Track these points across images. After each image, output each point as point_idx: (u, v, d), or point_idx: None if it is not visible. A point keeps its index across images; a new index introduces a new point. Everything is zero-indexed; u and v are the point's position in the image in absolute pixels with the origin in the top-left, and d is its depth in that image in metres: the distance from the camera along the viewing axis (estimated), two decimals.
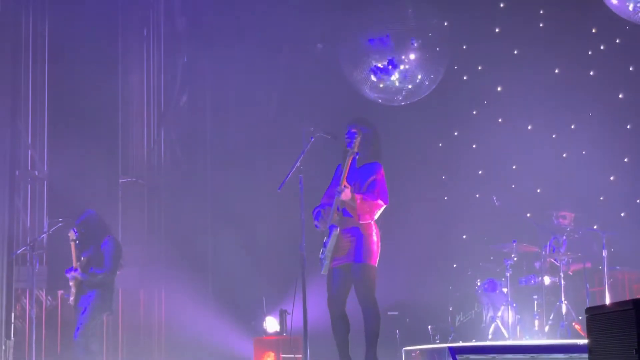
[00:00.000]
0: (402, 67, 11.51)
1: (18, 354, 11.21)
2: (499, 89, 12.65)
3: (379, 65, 11.49)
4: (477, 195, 12.55)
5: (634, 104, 11.32)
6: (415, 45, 11.54)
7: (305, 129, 8.03)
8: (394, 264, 10.81)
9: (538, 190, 12.06)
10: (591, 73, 11.78)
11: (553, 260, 10.64)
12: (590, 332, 4.69)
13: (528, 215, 11.61)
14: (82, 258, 9.71)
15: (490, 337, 10.53)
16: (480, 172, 12.70)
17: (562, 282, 10.31)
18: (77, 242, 9.79)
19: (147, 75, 13.17)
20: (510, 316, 10.53)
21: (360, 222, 7.70)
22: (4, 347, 11.15)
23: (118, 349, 11.99)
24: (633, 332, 4.20)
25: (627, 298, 9.95)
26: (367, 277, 7.74)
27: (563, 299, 10.22)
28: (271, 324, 11.09)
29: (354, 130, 7.90)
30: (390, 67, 11.47)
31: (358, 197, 7.64)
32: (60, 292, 11.47)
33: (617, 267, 10.51)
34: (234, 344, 11.91)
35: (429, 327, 11.48)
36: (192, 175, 13.01)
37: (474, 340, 10.39)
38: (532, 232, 11.06)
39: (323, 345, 8.67)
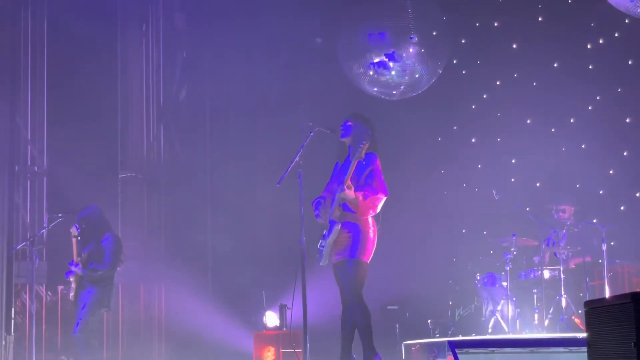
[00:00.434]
0: (400, 61, 11.50)
1: (18, 349, 11.22)
2: (497, 83, 12.65)
3: (378, 59, 11.49)
4: (477, 189, 12.55)
5: (633, 97, 11.30)
6: (415, 40, 11.53)
7: (304, 124, 8.04)
8: (394, 258, 10.85)
9: (537, 184, 12.06)
10: (590, 67, 11.76)
11: (553, 254, 10.63)
12: (589, 325, 4.69)
13: (527, 209, 11.60)
14: (83, 254, 9.72)
15: (490, 331, 10.54)
16: (479, 165, 12.70)
17: (562, 275, 10.31)
18: (79, 237, 9.81)
19: (146, 71, 13.18)
20: (510, 310, 10.53)
21: (363, 217, 7.75)
22: (4, 343, 11.17)
23: (118, 344, 12.00)
24: (631, 326, 4.20)
25: (627, 291, 9.96)
26: (356, 273, 7.76)
27: (563, 292, 10.22)
28: (271, 318, 11.09)
29: (349, 123, 7.96)
30: (389, 61, 11.47)
31: (359, 194, 7.68)
32: (60, 288, 11.48)
33: (617, 261, 10.50)
34: (234, 339, 11.92)
35: (429, 321, 11.49)
36: (191, 170, 13.01)
37: (473, 334, 10.39)
38: (532, 226, 11.05)
39: (323, 339, 8.69)
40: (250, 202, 12.29)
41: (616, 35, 11.48)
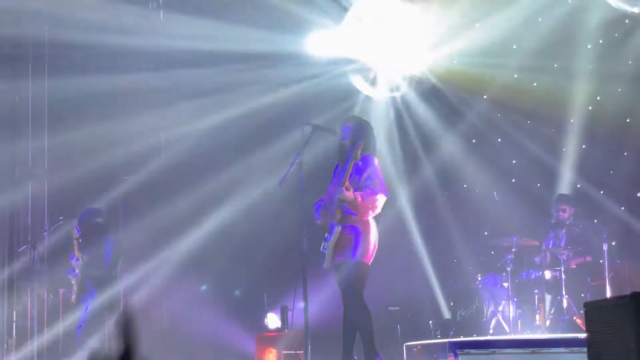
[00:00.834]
0: None
1: (20, 352, 11.23)
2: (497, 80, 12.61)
3: None
4: (477, 190, 12.53)
5: (633, 98, 11.29)
6: None
7: (304, 125, 8.05)
8: (395, 260, 10.84)
9: (538, 185, 12.04)
10: (590, 67, 11.75)
11: (553, 254, 10.63)
12: (589, 325, 4.70)
13: (528, 209, 11.60)
14: (84, 256, 9.75)
15: (491, 331, 10.53)
16: (479, 166, 12.67)
17: (563, 276, 10.30)
18: (80, 239, 9.84)
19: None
20: (511, 311, 10.53)
21: (364, 218, 7.75)
22: (5, 346, 11.18)
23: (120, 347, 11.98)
24: (631, 326, 4.20)
25: (629, 291, 9.95)
26: (357, 274, 7.77)
27: (564, 293, 10.22)
28: (272, 320, 11.10)
29: (348, 125, 7.98)
30: None
31: (358, 195, 7.69)
32: (61, 291, 11.49)
33: (618, 261, 10.51)
34: (236, 341, 11.93)
35: (430, 322, 11.49)
36: (192, 173, 13.00)
37: (475, 335, 10.38)
38: (532, 227, 11.06)
39: (324, 340, 8.68)
40: (252, 203, 12.27)
41: (616, 35, 11.47)
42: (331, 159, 8.36)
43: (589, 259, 10.53)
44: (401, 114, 12.37)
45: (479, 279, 11.23)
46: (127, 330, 3.58)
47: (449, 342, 7.55)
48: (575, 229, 10.73)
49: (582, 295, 10.29)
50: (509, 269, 10.65)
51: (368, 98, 12.24)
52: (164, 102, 12.74)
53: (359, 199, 7.68)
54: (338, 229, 7.77)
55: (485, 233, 12.09)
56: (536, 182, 12.07)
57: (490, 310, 10.84)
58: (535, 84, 12.11)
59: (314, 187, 8.25)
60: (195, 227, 12.63)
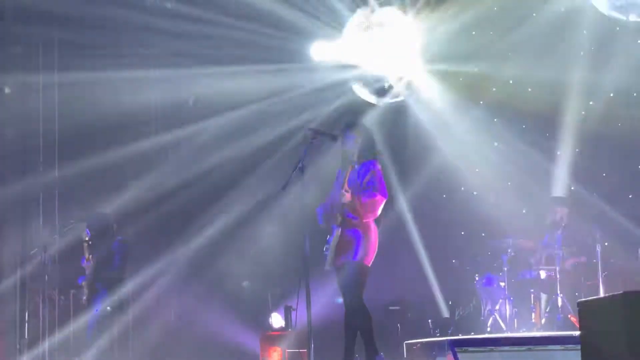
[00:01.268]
0: None
1: (32, 351, 11.24)
2: (494, 89, 12.63)
3: None
4: (475, 193, 12.54)
5: (624, 103, 11.32)
6: None
7: (306, 130, 8.08)
8: (395, 261, 10.88)
9: (533, 187, 12.05)
10: (582, 74, 11.76)
11: (548, 255, 10.66)
12: (583, 324, 4.72)
13: (524, 211, 11.63)
14: (93, 258, 9.79)
15: (488, 329, 10.56)
16: (476, 169, 12.69)
17: (558, 275, 10.32)
18: (90, 242, 9.88)
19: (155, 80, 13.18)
20: (508, 309, 10.55)
21: (365, 220, 7.78)
22: (18, 346, 11.19)
23: (127, 345, 12.01)
24: (623, 324, 4.22)
25: (622, 290, 9.98)
26: (357, 276, 7.79)
27: (559, 292, 10.24)
28: (276, 319, 11.13)
29: (350, 134, 7.99)
30: None
31: (358, 198, 7.72)
32: (72, 292, 11.51)
33: (612, 260, 10.52)
34: (241, 339, 11.94)
35: (429, 321, 11.51)
36: (198, 175, 13.00)
37: (472, 333, 10.42)
38: (528, 228, 11.09)
39: (327, 339, 8.70)
40: (256, 209, 12.30)
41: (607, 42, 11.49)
42: (332, 164, 8.41)
43: (583, 259, 10.56)
44: (400, 119, 12.39)
45: (477, 279, 11.25)
46: None
47: (448, 340, 7.57)
48: (570, 230, 10.76)
49: (577, 294, 10.30)
50: (505, 269, 10.68)
51: (369, 104, 12.29)
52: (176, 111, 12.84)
53: (359, 202, 7.72)
54: (338, 232, 7.81)
55: (482, 234, 12.10)
56: (531, 184, 12.08)
57: (487, 309, 10.87)
58: (529, 90, 12.12)
59: (316, 191, 8.28)
60: (202, 230, 12.66)
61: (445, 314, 11.68)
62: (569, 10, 11.54)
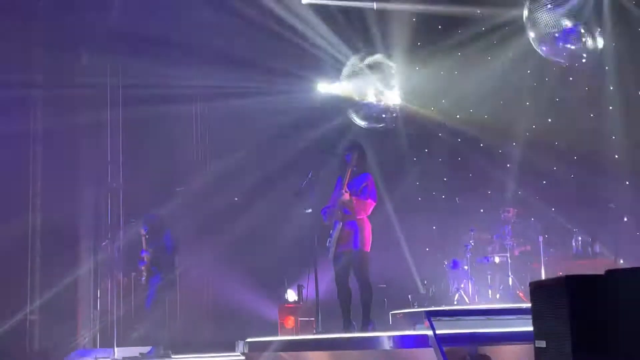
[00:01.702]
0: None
1: (102, 320, 11.18)
2: (457, 116, 12.53)
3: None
4: (443, 197, 12.48)
5: (560, 126, 11.25)
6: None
7: (316, 151, 8.09)
8: (384, 250, 10.76)
9: (489, 192, 11.98)
10: (527, 103, 11.71)
11: (502, 244, 10.58)
12: (534, 300, 4.63)
13: (482, 210, 11.56)
14: (150, 249, 9.73)
15: (455, 303, 10.48)
16: (445, 179, 12.64)
17: (509, 261, 10.25)
18: (146, 236, 9.83)
19: (195, 109, 13.16)
20: (470, 287, 10.49)
21: (357, 217, 7.76)
22: (92, 316, 11.13)
23: (177, 316, 11.94)
24: (566, 301, 4.16)
25: (559, 273, 9.90)
26: (363, 260, 7.79)
27: (510, 273, 10.17)
28: (291, 295, 11.05)
29: (349, 151, 8.00)
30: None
31: (354, 199, 7.73)
32: (133, 274, 11.43)
33: (551, 249, 10.46)
34: (263, 310, 11.86)
35: (409, 296, 11.42)
36: (229, 183, 12.94)
37: (443, 306, 10.33)
38: (485, 224, 11.01)
39: (330, 311, 8.62)
40: (275, 208, 12.20)
41: (546, 79, 11.43)
42: (335, 174, 8.36)
43: (528, 247, 10.50)
44: (386, 139, 12.30)
45: (445, 263, 11.18)
46: None
47: (425, 311, 7.48)
48: (518, 225, 10.68)
49: (524, 275, 10.26)
50: (468, 255, 10.62)
51: (361, 127, 12.20)
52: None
53: (354, 201, 7.74)
54: (339, 226, 7.83)
55: (450, 229, 12.02)
56: (487, 190, 12.01)
57: (454, 287, 10.79)
58: (486, 117, 12.06)
59: (322, 195, 8.25)
60: (232, 223, 12.59)
61: (422, 290, 11.58)
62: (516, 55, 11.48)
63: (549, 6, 9.01)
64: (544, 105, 11.46)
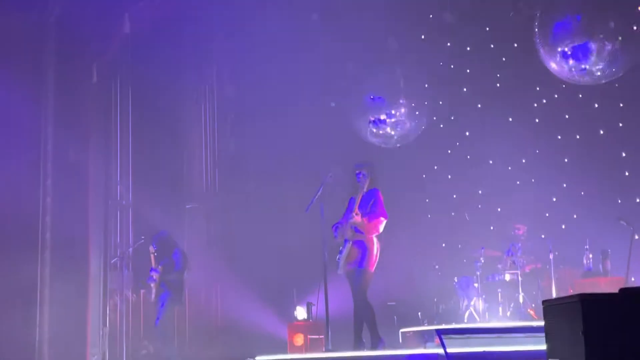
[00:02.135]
0: (395, 119, 11.53)
1: (112, 337, 11.18)
2: (467, 133, 12.58)
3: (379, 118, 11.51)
4: (453, 214, 12.43)
5: (569, 143, 11.22)
6: (404, 102, 11.58)
7: (325, 168, 8.10)
8: (393, 268, 10.74)
9: (499, 209, 11.92)
10: (536, 120, 11.70)
11: (512, 262, 10.51)
12: (546, 318, 4.60)
13: (492, 228, 11.50)
14: (159, 266, 9.72)
15: (465, 321, 10.40)
16: (454, 196, 12.59)
17: (520, 278, 10.18)
18: (155, 253, 9.83)
19: (204, 129, 13.19)
20: (481, 305, 10.41)
21: (369, 236, 7.77)
22: (101, 333, 11.12)
23: (185, 333, 11.92)
24: (580, 319, 4.12)
25: (569, 291, 9.84)
26: (364, 280, 7.79)
27: (520, 291, 10.09)
28: (300, 312, 11.01)
29: (359, 171, 8.02)
30: (386, 119, 11.49)
31: (365, 220, 7.76)
32: (142, 291, 11.44)
33: (561, 267, 10.37)
34: (272, 328, 11.82)
35: (419, 313, 11.35)
36: (238, 201, 12.97)
37: (453, 324, 10.26)
38: (495, 241, 10.95)
39: (340, 329, 8.59)
40: (284, 226, 12.20)
41: (555, 96, 11.42)
42: (344, 192, 8.36)
43: (539, 265, 10.41)
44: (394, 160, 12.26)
45: (456, 280, 11.10)
46: None
47: (436, 330, 7.46)
48: (528, 242, 10.62)
49: (534, 293, 10.16)
50: (478, 273, 10.54)
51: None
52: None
53: (365, 222, 7.74)
54: (349, 244, 7.85)
55: (459, 246, 11.97)
56: (497, 207, 11.96)
57: (464, 304, 10.72)
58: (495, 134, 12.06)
59: (331, 213, 8.23)
60: (242, 240, 12.59)
61: (432, 308, 11.50)
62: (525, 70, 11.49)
63: None
64: (553, 122, 11.44)
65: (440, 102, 12.65)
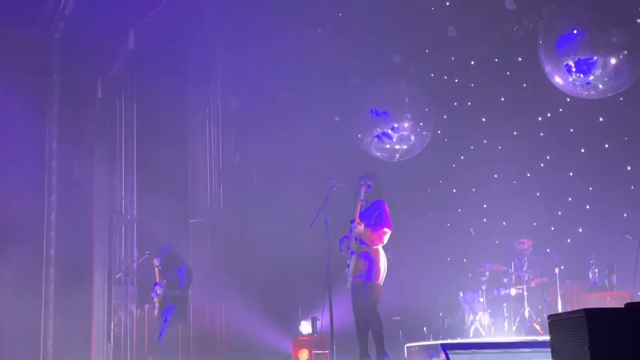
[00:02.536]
0: (399, 133, 11.56)
1: (116, 352, 11.15)
2: (471, 147, 12.59)
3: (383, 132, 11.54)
4: (458, 228, 12.42)
5: (574, 157, 11.22)
6: (409, 117, 11.60)
7: (328, 181, 8.07)
8: (398, 281, 10.72)
9: (504, 223, 11.92)
10: (541, 134, 11.71)
11: (517, 276, 10.49)
12: (552, 333, 4.60)
13: (497, 242, 11.48)
14: (164, 281, 9.71)
15: (471, 335, 10.38)
16: (459, 210, 12.60)
17: (525, 292, 10.16)
18: (160, 268, 9.81)
19: (209, 143, 13.22)
20: (486, 319, 10.38)
21: (373, 247, 7.75)
22: (105, 348, 11.09)
23: (189, 349, 11.89)
24: (585, 333, 4.12)
25: (575, 305, 9.82)
26: (373, 292, 7.74)
27: (526, 305, 10.07)
28: (305, 327, 10.99)
29: (361, 183, 8.01)
30: (391, 133, 11.51)
31: (369, 230, 7.72)
32: (146, 306, 11.42)
33: (567, 281, 10.35)
34: (277, 343, 11.80)
35: (424, 328, 11.33)
36: (243, 216, 12.98)
37: (459, 339, 10.23)
38: (501, 255, 10.94)
39: (345, 344, 8.58)
40: (288, 240, 12.21)
41: (560, 110, 11.43)
42: (349, 206, 8.35)
43: (544, 279, 10.39)
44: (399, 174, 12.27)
45: (461, 295, 11.08)
46: None
47: (441, 344, 7.43)
48: (534, 256, 10.60)
49: (540, 307, 10.15)
50: (483, 287, 10.53)
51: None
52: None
53: (369, 232, 7.72)
54: (354, 257, 7.81)
55: (464, 260, 11.95)
56: (502, 221, 11.95)
57: (470, 319, 10.69)
58: (499, 147, 12.07)
59: (336, 227, 8.22)
60: (246, 255, 12.59)
61: (437, 323, 11.48)
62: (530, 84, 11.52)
63: None
64: (557, 136, 11.45)
65: (445, 116, 12.67)
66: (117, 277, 11.15)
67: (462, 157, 12.66)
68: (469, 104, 12.60)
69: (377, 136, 11.61)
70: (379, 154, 12.01)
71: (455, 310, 11.08)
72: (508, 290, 10.44)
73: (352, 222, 7.98)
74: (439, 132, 12.40)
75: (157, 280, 9.74)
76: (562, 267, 10.28)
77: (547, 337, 4.78)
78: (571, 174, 11.28)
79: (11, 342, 10.22)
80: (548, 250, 10.76)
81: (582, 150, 11.18)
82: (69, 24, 10.97)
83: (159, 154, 12.07)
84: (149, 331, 11.39)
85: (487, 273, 10.61)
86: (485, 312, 10.41)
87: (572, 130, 11.31)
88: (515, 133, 11.94)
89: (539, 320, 9.92)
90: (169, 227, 11.43)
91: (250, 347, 11.84)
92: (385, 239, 7.83)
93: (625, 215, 10.47)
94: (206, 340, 12.17)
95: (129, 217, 12.01)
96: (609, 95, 9.65)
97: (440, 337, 10.72)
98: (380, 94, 11.76)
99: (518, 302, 10.29)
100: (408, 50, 12.29)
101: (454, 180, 12.66)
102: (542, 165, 11.62)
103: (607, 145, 10.87)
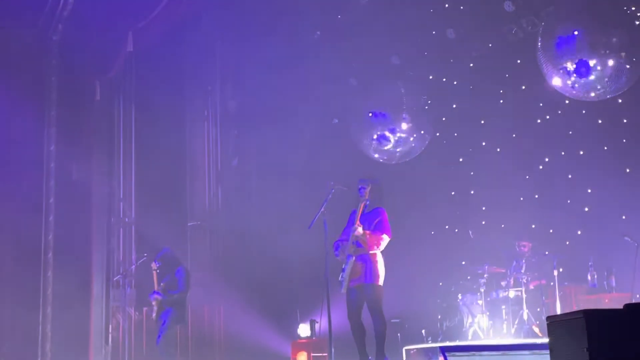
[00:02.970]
0: (398, 135, 11.56)
1: (114, 355, 11.15)
2: (470, 149, 12.58)
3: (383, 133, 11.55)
4: (456, 230, 12.42)
5: (573, 159, 11.22)
6: (407, 118, 11.60)
7: (327, 183, 8.07)
8: (396, 284, 10.72)
9: (502, 226, 11.89)
10: (540, 136, 11.69)
11: (516, 278, 10.48)
12: (551, 334, 4.60)
13: (496, 244, 11.47)
14: (162, 283, 9.71)
15: (470, 338, 10.37)
16: (458, 212, 12.58)
17: (524, 295, 10.15)
18: (158, 271, 9.82)
19: (207, 145, 13.22)
20: (485, 322, 10.37)
21: (370, 251, 7.73)
22: (103, 351, 11.09)
23: (188, 352, 11.89)
24: (584, 334, 4.12)
25: (574, 307, 9.81)
26: (375, 294, 7.73)
27: (524, 308, 10.06)
28: (304, 330, 10.98)
29: (363, 184, 7.99)
30: (389, 134, 11.52)
31: (367, 233, 7.71)
32: (145, 309, 11.42)
33: (566, 283, 10.34)
34: (275, 346, 11.80)
35: (423, 330, 11.31)
36: (241, 219, 12.98)
37: (457, 341, 10.22)
38: (499, 257, 10.93)
39: (343, 346, 8.57)
40: (287, 243, 12.20)
41: (559, 112, 11.44)
42: (347, 208, 8.35)
43: (543, 282, 10.38)
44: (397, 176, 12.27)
45: (460, 297, 11.07)
46: None
47: (440, 347, 7.43)
48: (532, 258, 10.59)
49: (538, 309, 10.13)
50: (482, 289, 10.52)
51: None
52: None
53: (367, 236, 7.70)
54: (351, 260, 7.79)
55: (463, 262, 11.94)
56: (500, 224, 11.94)
57: (468, 321, 10.68)
58: (498, 149, 12.07)
59: (334, 229, 8.22)
60: (244, 257, 12.58)
61: (436, 325, 11.46)
62: (528, 87, 11.53)
63: None
64: (556, 139, 11.45)
65: (444, 119, 12.67)
66: (115, 279, 11.16)
67: (461, 159, 12.65)
68: (468, 106, 12.59)
69: (376, 138, 11.61)
70: (378, 156, 12.00)
71: (454, 312, 11.06)
72: (507, 293, 10.43)
73: (348, 226, 7.98)
74: (438, 134, 12.40)
75: (155, 285, 9.73)
76: (561, 270, 10.26)
77: (545, 340, 4.78)
78: (570, 176, 11.26)
79: (10, 345, 10.22)
80: (547, 253, 10.75)
81: (581, 153, 11.17)
82: (68, 26, 10.99)
83: (157, 157, 12.07)
84: (147, 334, 11.38)
85: (485, 275, 10.60)
86: (484, 315, 10.39)
87: (570, 132, 11.30)
88: (514, 135, 11.93)
89: (537, 322, 9.91)
90: (168, 230, 11.44)
91: (249, 350, 11.83)
92: (383, 245, 7.82)
93: (624, 217, 10.46)
94: (204, 343, 12.17)
95: (127, 219, 12.02)
96: (608, 97, 9.65)
97: (439, 339, 10.71)
98: (379, 96, 11.76)
99: (517, 305, 10.28)
100: (407, 52, 12.29)
101: (452, 182, 12.64)
102: (540, 167, 11.61)
103: (605, 148, 10.87)
